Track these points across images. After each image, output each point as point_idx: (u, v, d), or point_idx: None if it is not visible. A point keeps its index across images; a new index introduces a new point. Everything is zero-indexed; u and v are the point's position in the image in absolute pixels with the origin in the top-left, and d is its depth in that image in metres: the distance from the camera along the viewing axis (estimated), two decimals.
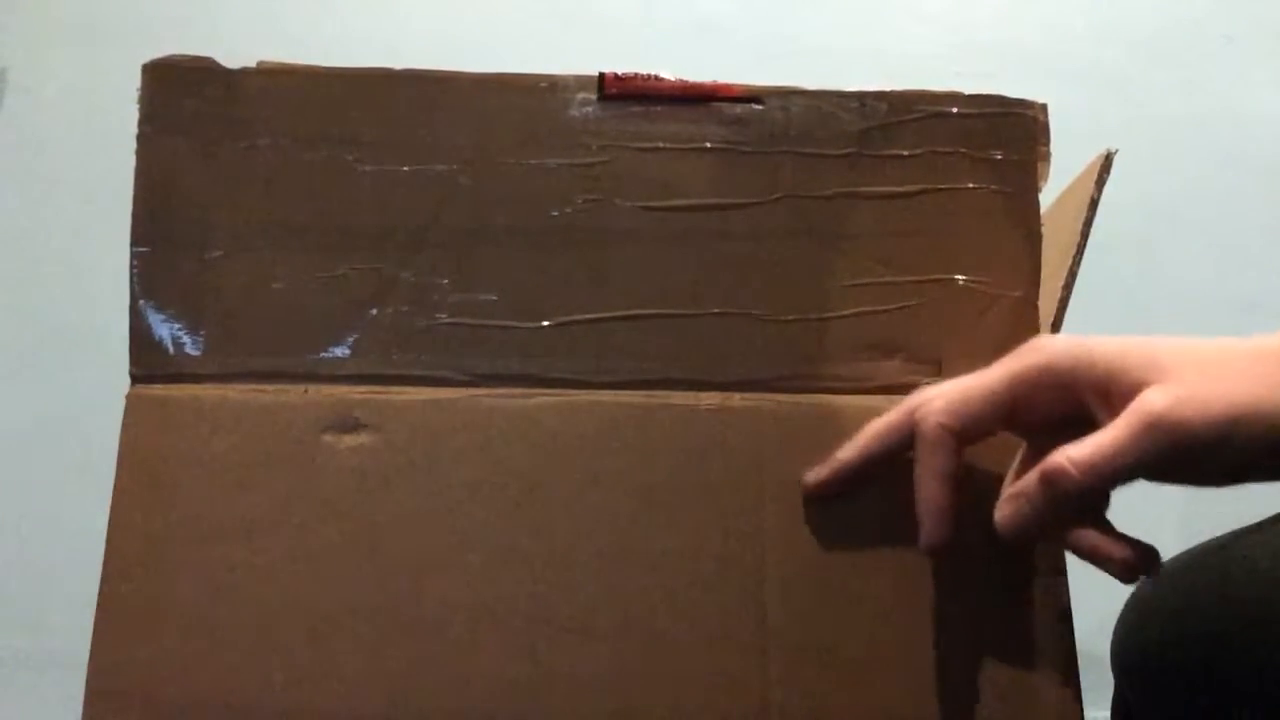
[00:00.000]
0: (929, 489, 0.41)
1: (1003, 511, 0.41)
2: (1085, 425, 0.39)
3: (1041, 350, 0.40)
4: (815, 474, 0.43)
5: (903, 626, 0.43)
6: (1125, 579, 0.41)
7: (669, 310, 0.45)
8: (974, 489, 0.43)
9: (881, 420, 0.43)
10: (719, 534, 0.43)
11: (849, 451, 0.43)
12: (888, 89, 0.46)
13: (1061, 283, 0.47)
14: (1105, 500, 0.41)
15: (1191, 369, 0.38)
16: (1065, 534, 0.41)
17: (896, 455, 0.42)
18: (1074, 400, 0.39)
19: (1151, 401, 0.37)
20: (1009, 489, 0.41)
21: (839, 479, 0.43)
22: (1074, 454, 0.38)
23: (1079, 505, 0.39)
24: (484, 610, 0.42)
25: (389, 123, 0.46)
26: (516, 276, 0.45)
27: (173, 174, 0.45)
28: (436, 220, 0.45)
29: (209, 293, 0.45)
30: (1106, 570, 0.40)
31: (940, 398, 0.41)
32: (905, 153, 0.46)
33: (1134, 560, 0.40)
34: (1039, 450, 0.40)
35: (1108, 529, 0.40)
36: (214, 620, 0.42)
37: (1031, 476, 0.39)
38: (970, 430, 0.41)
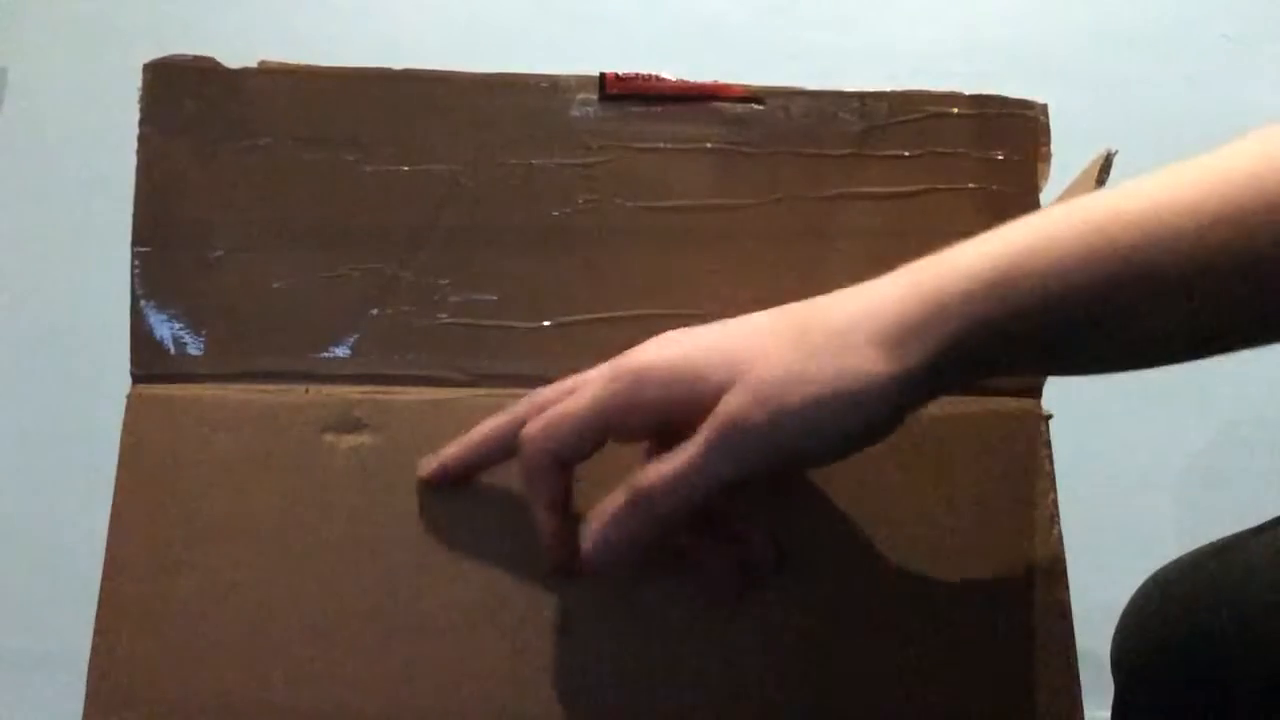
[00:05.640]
0: (539, 518, 0.40)
1: (591, 534, 0.37)
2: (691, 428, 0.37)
3: (630, 374, 0.38)
4: (426, 465, 0.43)
5: (902, 626, 0.43)
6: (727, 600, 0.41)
7: (669, 310, 0.45)
8: (968, 487, 0.43)
9: (491, 424, 0.41)
10: None
11: (457, 449, 0.42)
12: (888, 89, 0.47)
13: None
14: (705, 510, 0.38)
15: (765, 359, 0.36)
16: (666, 542, 0.39)
17: (502, 459, 0.41)
18: (668, 415, 0.37)
19: (726, 407, 0.35)
20: (599, 507, 0.38)
21: (447, 474, 0.42)
22: (660, 473, 0.36)
23: (671, 524, 0.37)
24: (484, 610, 0.42)
25: (389, 123, 0.46)
26: (516, 276, 0.45)
27: (173, 174, 0.45)
28: (436, 220, 0.45)
29: (209, 293, 0.45)
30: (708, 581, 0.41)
31: (539, 420, 0.39)
32: (905, 153, 0.46)
33: (727, 576, 0.41)
34: (657, 447, 0.38)
35: (714, 533, 0.40)
36: (214, 620, 0.42)
37: (619, 496, 0.37)
38: (569, 454, 0.39)
